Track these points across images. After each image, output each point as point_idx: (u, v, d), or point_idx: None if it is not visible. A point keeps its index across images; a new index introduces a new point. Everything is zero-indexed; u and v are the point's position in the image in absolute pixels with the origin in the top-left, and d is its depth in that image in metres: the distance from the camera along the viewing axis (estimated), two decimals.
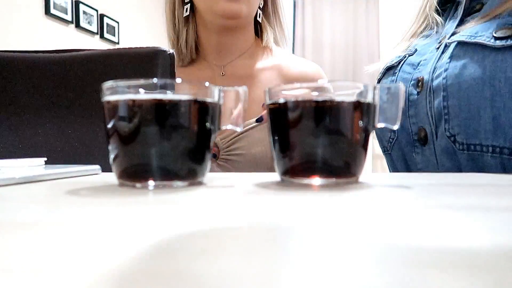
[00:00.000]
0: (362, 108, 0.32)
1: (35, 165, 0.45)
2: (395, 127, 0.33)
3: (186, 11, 0.80)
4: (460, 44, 0.51)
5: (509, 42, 0.45)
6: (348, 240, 0.14)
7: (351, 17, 3.39)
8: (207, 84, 0.33)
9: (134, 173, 0.31)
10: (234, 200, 0.24)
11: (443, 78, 0.51)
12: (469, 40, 0.49)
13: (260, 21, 0.83)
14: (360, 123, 0.32)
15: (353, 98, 0.32)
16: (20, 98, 0.72)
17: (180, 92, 0.32)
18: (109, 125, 0.32)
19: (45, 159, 0.48)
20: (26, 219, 0.19)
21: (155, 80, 0.31)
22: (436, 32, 0.60)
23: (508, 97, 0.45)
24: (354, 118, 0.32)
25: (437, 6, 0.63)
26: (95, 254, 0.13)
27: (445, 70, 0.51)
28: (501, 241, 0.14)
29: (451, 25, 0.57)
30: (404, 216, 0.19)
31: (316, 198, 0.25)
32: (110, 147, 0.32)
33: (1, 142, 0.72)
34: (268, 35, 0.82)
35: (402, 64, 0.60)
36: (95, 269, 0.12)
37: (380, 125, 0.34)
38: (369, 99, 0.33)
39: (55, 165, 0.47)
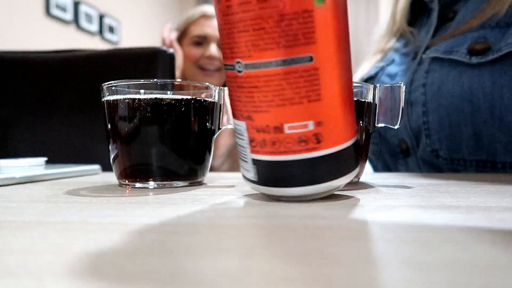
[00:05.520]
0: (361, 108, 0.32)
1: (35, 165, 0.45)
2: (396, 126, 0.33)
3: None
4: (435, 59, 0.50)
5: (484, 58, 0.45)
6: (347, 240, 0.14)
7: (352, 18, 3.38)
8: (207, 84, 0.33)
9: (134, 173, 0.32)
10: (234, 200, 0.24)
11: (422, 94, 0.50)
12: (444, 56, 0.49)
13: None
14: (360, 123, 0.32)
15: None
16: (21, 98, 0.72)
17: (180, 92, 0.32)
18: (109, 125, 0.32)
19: (45, 159, 0.48)
20: (26, 219, 0.19)
21: (155, 80, 0.31)
22: (412, 39, 0.59)
23: (487, 113, 0.45)
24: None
25: (409, 12, 0.62)
26: (95, 254, 0.13)
27: (423, 85, 0.50)
28: (501, 241, 0.14)
29: (425, 34, 0.56)
30: (404, 216, 0.19)
31: (315, 198, 0.25)
32: (110, 147, 0.32)
33: (1, 142, 0.72)
34: None
35: (381, 75, 0.60)
36: (95, 269, 0.12)
37: (380, 125, 0.34)
38: (369, 99, 0.33)
39: (55, 165, 0.47)
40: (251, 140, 0.23)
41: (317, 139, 0.22)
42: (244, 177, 0.25)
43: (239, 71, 0.22)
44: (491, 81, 0.44)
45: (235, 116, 0.24)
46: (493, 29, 0.46)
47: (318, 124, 0.22)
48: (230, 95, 0.24)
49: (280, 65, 0.21)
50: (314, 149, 0.22)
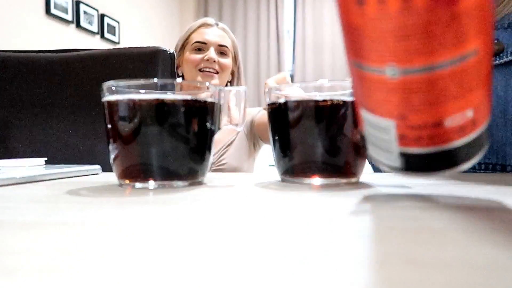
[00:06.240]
0: None
1: (35, 165, 0.45)
2: None
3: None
4: None
5: (498, 60, 0.44)
6: (347, 240, 0.14)
7: None
8: (207, 84, 0.33)
9: (135, 173, 0.31)
10: (234, 200, 0.24)
11: None
12: None
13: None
14: None
15: (352, 98, 0.32)
16: (21, 98, 0.72)
17: (180, 92, 0.32)
18: (110, 125, 0.32)
19: (45, 159, 0.48)
20: (26, 219, 0.19)
21: (155, 80, 0.31)
22: None
23: (500, 116, 0.45)
24: (353, 117, 0.32)
25: None
26: (95, 254, 0.13)
27: None
28: (501, 241, 0.14)
29: None
30: (404, 216, 0.19)
31: (316, 198, 0.25)
32: (110, 147, 0.32)
33: (1, 142, 0.72)
34: None
35: None
36: (95, 269, 0.12)
37: None
38: None
39: (55, 165, 0.47)
40: (402, 136, 0.22)
41: (473, 124, 0.21)
42: (384, 164, 0.24)
43: (393, 75, 0.20)
44: (504, 84, 0.44)
45: (377, 113, 0.22)
46: (506, 30, 0.45)
47: (475, 110, 0.21)
48: (369, 95, 0.22)
49: (447, 66, 0.19)
50: (470, 132, 0.21)
